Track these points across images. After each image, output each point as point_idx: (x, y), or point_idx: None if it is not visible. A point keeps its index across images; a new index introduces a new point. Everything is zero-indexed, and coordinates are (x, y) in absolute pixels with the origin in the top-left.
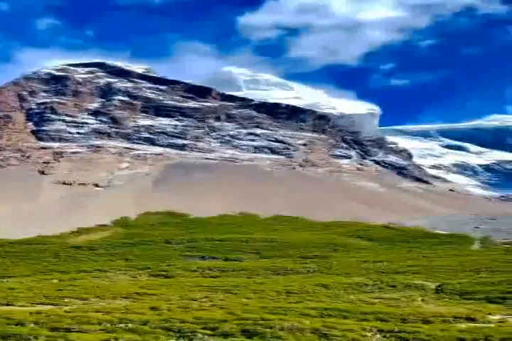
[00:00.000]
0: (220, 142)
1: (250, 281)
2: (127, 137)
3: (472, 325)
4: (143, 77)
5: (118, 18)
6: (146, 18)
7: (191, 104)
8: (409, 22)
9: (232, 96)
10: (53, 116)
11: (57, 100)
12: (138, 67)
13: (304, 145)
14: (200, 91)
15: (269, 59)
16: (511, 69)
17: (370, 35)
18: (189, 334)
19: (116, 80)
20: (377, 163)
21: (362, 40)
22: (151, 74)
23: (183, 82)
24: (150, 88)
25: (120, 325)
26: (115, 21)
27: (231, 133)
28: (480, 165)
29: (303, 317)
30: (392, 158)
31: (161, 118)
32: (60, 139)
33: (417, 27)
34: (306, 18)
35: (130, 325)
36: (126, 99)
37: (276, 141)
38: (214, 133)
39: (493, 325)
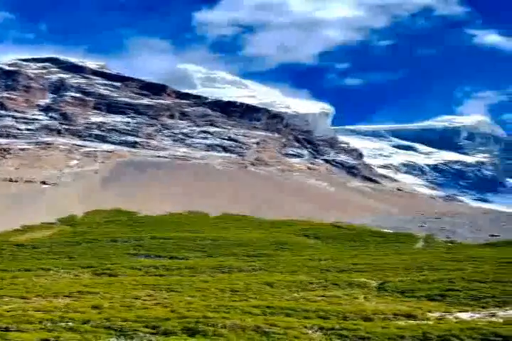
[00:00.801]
0: (173, 140)
1: (195, 280)
2: (78, 134)
3: (412, 322)
4: (97, 73)
5: (73, 12)
6: (102, 13)
7: (145, 101)
8: (367, 22)
9: (186, 93)
10: (2, 112)
11: (7, 95)
12: (92, 63)
13: (257, 143)
14: (155, 89)
15: (225, 56)
16: (463, 70)
17: (327, 34)
18: (130, 332)
19: (69, 76)
20: (328, 162)
21: (319, 39)
22: (105, 71)
23: (137, 79)
24: (104, 84)
25: (61, 323)
26: (70, 16)
27: (184, 131)
28: (428, 165)
29: (246, 315)
30: (342, 158)
31: (114, 116)
32: (8, 135)
33: (375, 27)
34: (263, 16)
35: (71, 324)
36: (78, 95)
37: (229, 139)
38: (167, 131)
39: (431, 322)
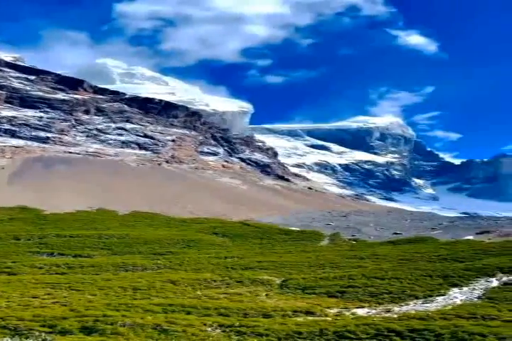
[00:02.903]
0: (87, 136)
1: (97, 278)
2: None
3: (310, 318)
4: (10, 65)
5: None
6: (15, 1)
7: (60, 95)
8: (291, 19)
9: (104, 89)
10: None
11: None
12: (5, 56)
13: (173, 141)
14: (71, 83)
15: (144, 50)
16: (382, 71)
17: (250, 30)
18: (25, 332)
19: None
20: (243, 160)
21: (241, 35)
22: (19, 63)
23: (53, 73)
24: (17, 78)
25: None
26: None
27: (99, 127)
28: (340, 165)
29: (147, 313)
30: (257, 156)
31: (26, 110)
32: None
33: (299, 25)
34: (185, 10)
35: None
36: None
37: (145, 136)
38: (81, 127)
39: (329, 319)
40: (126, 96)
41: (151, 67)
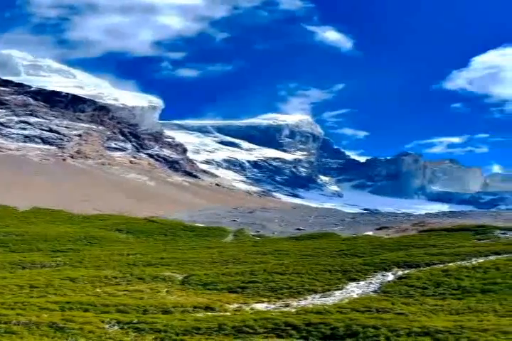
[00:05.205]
0: None
1: None
2: None
3: (210, 314)
4: None
5: None
6: None
7: None
8: (207, 12)
9: (8, 81)
10: None
11: None
12: None
13: (79, 136)
14: None
15: (50, 39)
16: (294, 67)
17: (163, 22)
18: None
19: None
20: (151, 156)
21: (153, 27)
22: None
23: None
24: None
25: None
26: None
27: (0, 120)
28: (249, 162)
29: (43, 311)
30: (166, 152)
31: None
32: None
33: (214, 17)
34: None
35: None
36: None
37: (50, 130)
38: None
39: (229, 314)
40: (32, 88)
41: (57, 58)
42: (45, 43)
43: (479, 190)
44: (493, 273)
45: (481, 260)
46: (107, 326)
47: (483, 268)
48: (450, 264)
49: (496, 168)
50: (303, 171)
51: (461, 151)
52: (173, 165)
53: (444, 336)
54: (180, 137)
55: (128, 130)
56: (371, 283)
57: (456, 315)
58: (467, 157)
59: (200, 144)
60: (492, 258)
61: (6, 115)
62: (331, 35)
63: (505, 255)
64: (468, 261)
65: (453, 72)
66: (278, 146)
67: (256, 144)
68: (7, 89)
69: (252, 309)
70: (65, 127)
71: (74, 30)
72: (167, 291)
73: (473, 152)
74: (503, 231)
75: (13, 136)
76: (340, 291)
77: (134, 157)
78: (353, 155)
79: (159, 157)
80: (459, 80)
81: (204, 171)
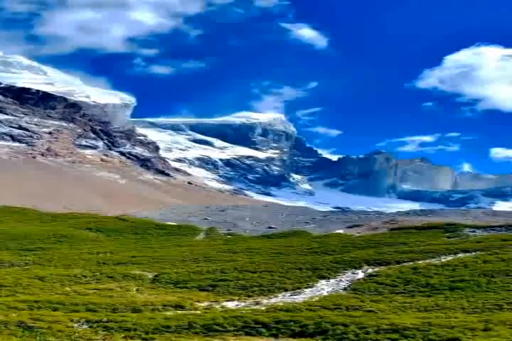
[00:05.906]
0: None
1: None
2: None
3: (180, 312)
4: None
5: None
6: None
7: None
8: (180, 8)
9: None
10: None
11: None
12: None
13: (50, 133)
14: None
15: (20, 35)
16: (268, 65)
17: (136, 17)
18: None
19: None
20: (122, 154)
21: (125, 23)
22: None
23: None
24: None
25: None
26: None
27: None
28: (221, 160)
29: (11, 310)
30: (138, 150)
31: None
32: None
33: (188, 14)
34: None
35: None
36: None
37: (20, 128)
38: None
39: (199, 312)
40: (1, 85)
41: (27, 54)
42: (15, 39)
43: (449, 189)
44: (462, 271)
45: (450, 258)
46: (76, 325)
47: (452, 265)
48: (419, 262)
49: (467, 167)
50: (275, 169)
51: (433, 150)
52: (144, 163)
53: (412, 333)
54: (152, 135)
55: (99, 127)
56: (341, 280)
57: (424, 312)
58: (438, 155)
59: (172, 142)
60: (461, 255)
61: None
62: (305, 32)
63: (474, 253)
64: (438, 258)
65: (425, 71)
66: (251, 145)
67: (229, 142)
68: None
69: (222, 307)
70: (35, 124)
71: (45, 25)
72: (137, 290)
73: (444, 150)
74: (472, 230)
75: None
76: (310, 289)
77: (106, 155)
78: (325, 153)
79: (131, 155)
80: (431, 79)
81: (176, 169)
